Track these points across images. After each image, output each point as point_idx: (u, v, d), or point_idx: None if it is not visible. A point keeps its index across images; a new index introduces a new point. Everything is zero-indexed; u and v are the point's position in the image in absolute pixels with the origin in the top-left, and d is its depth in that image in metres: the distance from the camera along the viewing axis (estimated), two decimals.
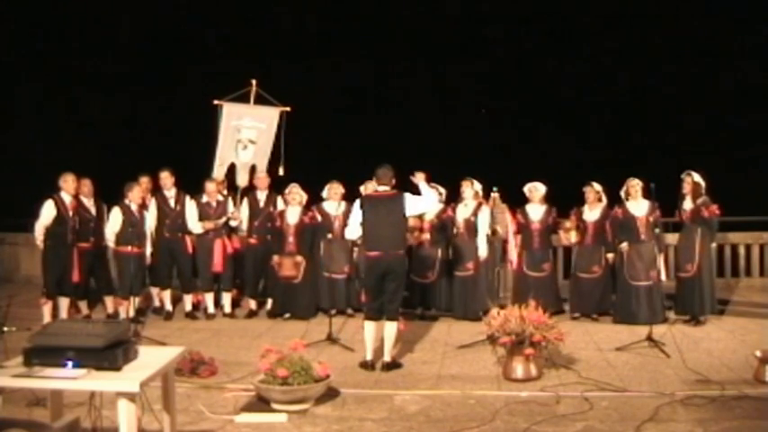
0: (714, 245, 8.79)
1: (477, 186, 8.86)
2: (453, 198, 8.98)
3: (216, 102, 9.81)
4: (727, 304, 9.23)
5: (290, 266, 8.67)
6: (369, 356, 6.65)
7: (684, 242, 8.49)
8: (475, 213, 8.73)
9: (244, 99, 9.88)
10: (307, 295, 8.85)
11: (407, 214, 6.75)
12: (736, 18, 17.14)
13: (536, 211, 8.81)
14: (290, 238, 8.78)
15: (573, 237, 8.67)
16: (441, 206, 8.71)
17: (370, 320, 6.66)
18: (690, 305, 8.35)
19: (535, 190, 8.84)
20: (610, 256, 8.68)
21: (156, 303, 9.19)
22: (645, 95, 19.22)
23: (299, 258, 8.73)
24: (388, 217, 6.59)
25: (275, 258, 8.79)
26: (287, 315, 8.82)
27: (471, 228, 8.72)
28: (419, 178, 7.25)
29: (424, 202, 6.84)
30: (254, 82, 9.85)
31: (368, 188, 8.58)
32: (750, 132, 17.64)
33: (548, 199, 8.93)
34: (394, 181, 6.80)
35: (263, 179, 9.35)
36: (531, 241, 8.77)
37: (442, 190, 8.77)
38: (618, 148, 18.56)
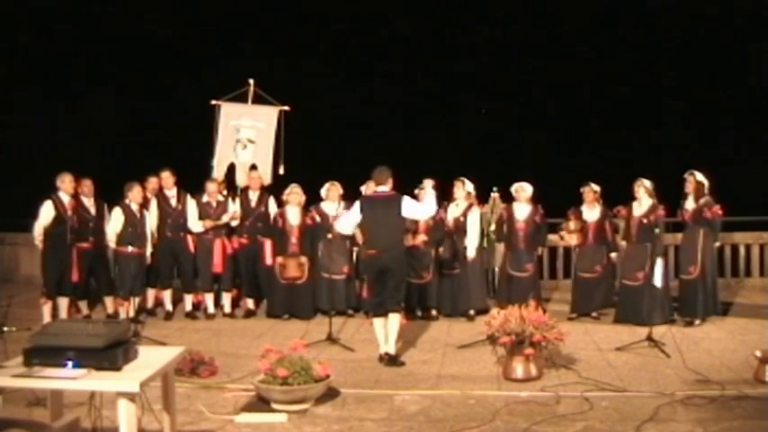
0: (717, 244, 8.69)
1: (470, 186, 8.84)
2: (446, 198, 8.90)
3: (213, 102, 9.79)
4: (727, 305, 9.21)
5: (294, 267, 8.68)
6: (383, 350, 6.80)
7: (686, 243, 8.40)
8: (464, 214, 8.73)
9: (242, 99, 9.86)
10: (309, 296, 8.86)
11: (404, 214, 6.87)
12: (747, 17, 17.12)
13: (522, 210, 8.77)
14: (294, 239, 8.79)
15: (574, 239, 8.65)
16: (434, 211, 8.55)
17: (377, 317, 6.84)
18: (692, 308, 8.22)
19: (522, 190, 8.79)
20: (613, 255, 8.70)
21: (149, 305, 9.12)
22: (646, 95, 19.23)
23: (303, 259, 8.74)
24: (386, 217, 6.79)
25: (279, 260, 8.78)
26: (285, 316, 8.81)
27: (460, 227, 8.73)
28: (427, 185, 7.45)
29: (422, 209, 7.03)
30: (251, 81, 9.82)
31: (369, 187, 8.57)
32: (750, 131, 17.64)
33: (535, 199, 8.85)
34: (391, 181, 6.92)
35: (255, 179, 9.33)
36: (515, 241, 8.73)
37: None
38: (618, 147, 18.58)
